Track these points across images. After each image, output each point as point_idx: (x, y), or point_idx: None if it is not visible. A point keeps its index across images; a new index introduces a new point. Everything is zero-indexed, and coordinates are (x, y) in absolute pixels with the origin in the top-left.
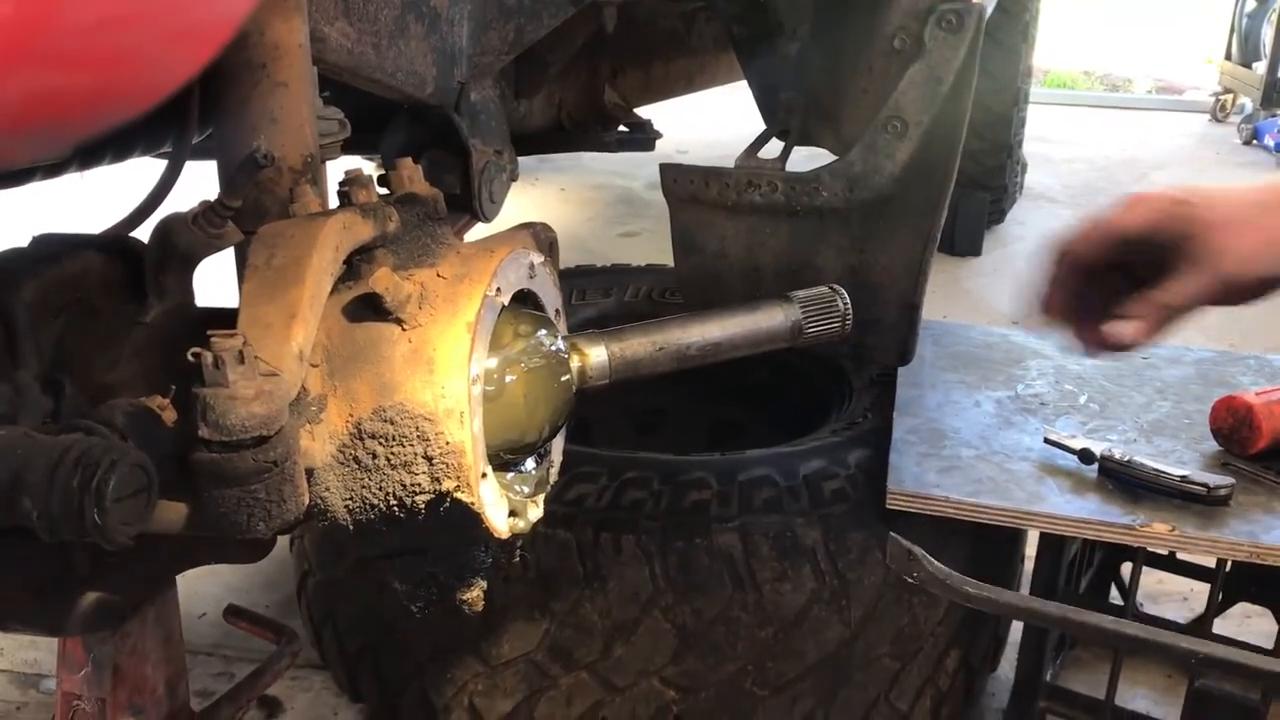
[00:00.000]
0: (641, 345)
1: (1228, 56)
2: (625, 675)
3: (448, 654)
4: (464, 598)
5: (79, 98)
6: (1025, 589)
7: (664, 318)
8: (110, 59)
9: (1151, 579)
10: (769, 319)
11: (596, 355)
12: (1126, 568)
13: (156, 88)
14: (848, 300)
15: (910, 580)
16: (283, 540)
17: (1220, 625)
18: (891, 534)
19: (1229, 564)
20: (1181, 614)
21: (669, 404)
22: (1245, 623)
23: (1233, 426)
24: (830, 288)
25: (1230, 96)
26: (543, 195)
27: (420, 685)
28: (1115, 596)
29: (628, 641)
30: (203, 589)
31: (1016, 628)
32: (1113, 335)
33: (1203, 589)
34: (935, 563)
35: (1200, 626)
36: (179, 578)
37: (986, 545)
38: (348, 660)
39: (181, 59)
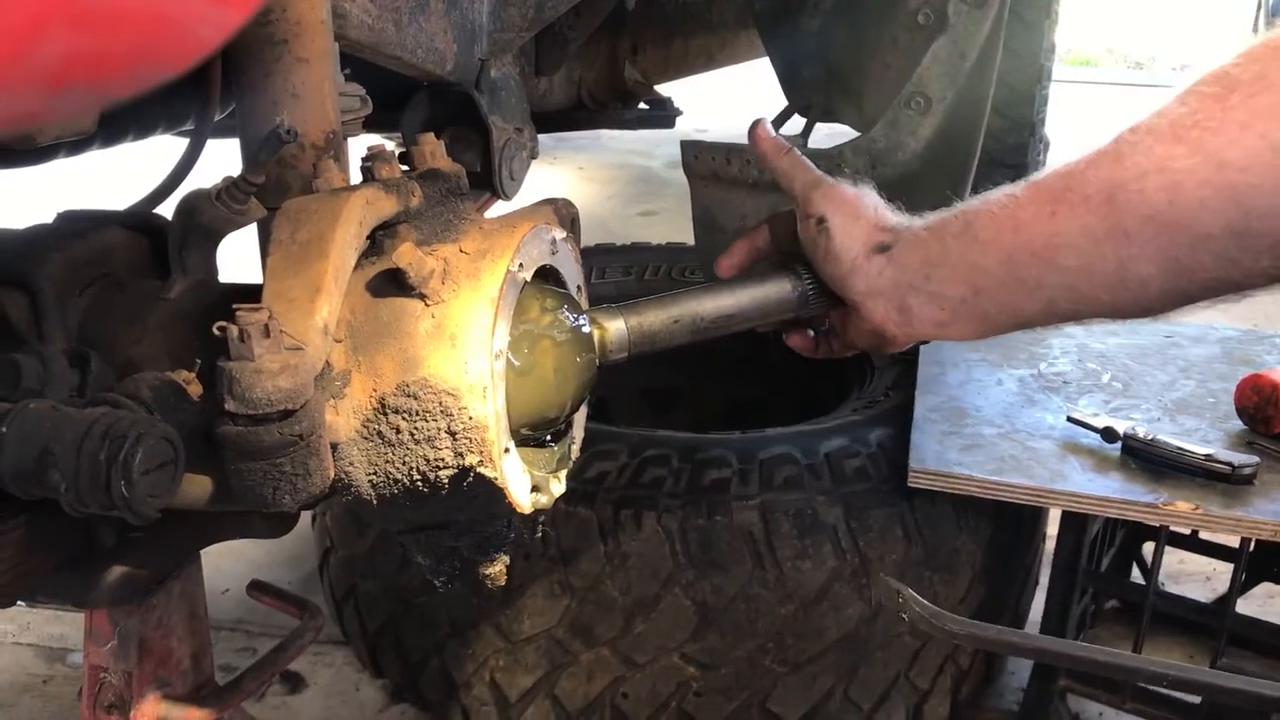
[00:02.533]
0: (657, 318)
1: (1255, 32)
2: (646, 652)
3: (469, 630)
4: (486, 572)
5: (115, 58)
6: (1046, 568)
7: (677, 291)
8: (147, 19)
9: (1173, 559)
10: (777, 289)
11: (615, 329)
12: (1149, 547)
13: (192, 49)
14: None
15: (901, 616)
16: (304, 517)
17: (1243, 605)
18: (881, 574)
19: (1252, 543)
20: (1204, 594)
21: (687, 383)
22: (1268, 603)
23: (1257, 405)
24: None
25: None
26: (561, 174)
27: (441, 661)
28: (1137, 576)
29: (648, 618)
30: (226, 565)
31: (1037, 609)
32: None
33: (1225, 569)
34: (921, 600)
35: (1222, 606)
36: (203, 554)
37: (1008, 524)
38: (369, 636)
39: (217, 20)
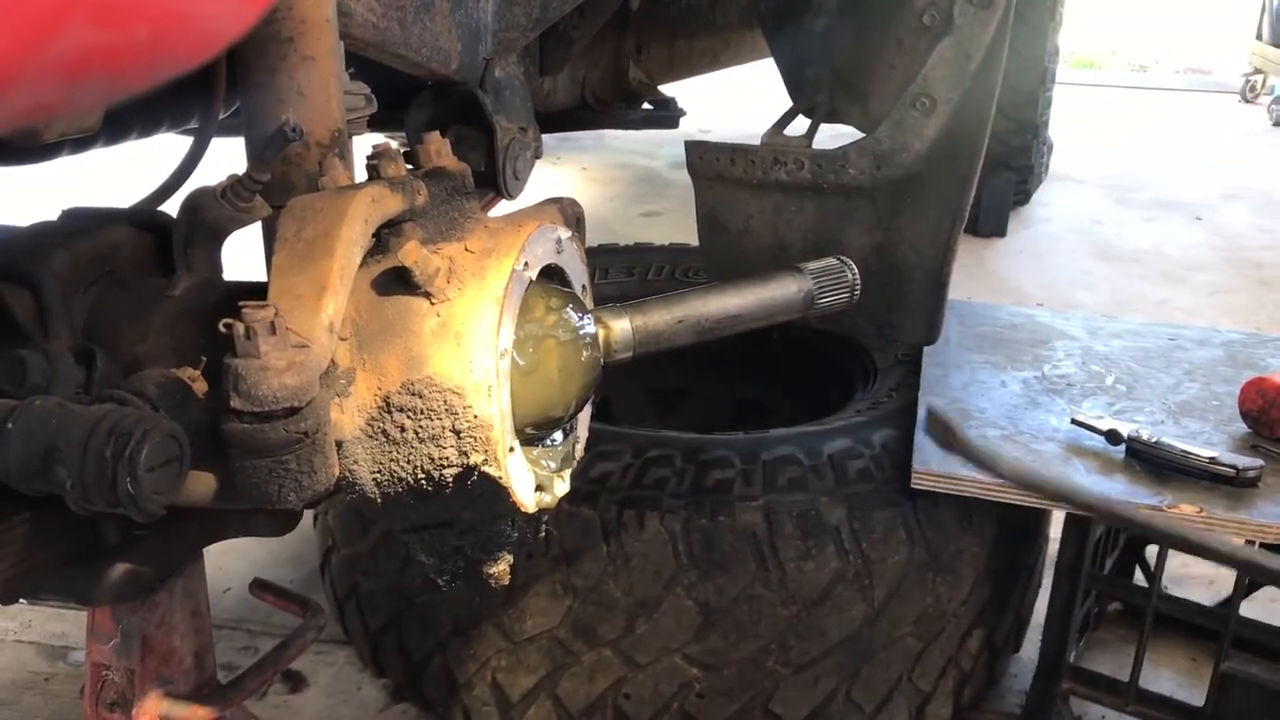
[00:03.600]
0: (662, 317)
1: (1258, 37)
2: (648, 652)
3: (471, 630)
4: (490, 572)
5: (131, 51)
6: (1049, 570)
7: (682, 290)
8: (163, 13)
9: (1176, 562)
10: (782, 290)
11: (620, 328)
12: (1152, 550)
13: (207, 44)
14: (856, 271)
15: (949, 451)
16: (307, 516)
17: (1247, 608)
18: (930, 406)
19: (1256, 546)
20: (1207, 597)
21: (692, 384)
22: (1271, 606)
23: (1262, 408)
24: (839, 259)
25: (1260, 78)
26: (565, 174)
27: (443, 660)
28: (1140, 579)
29: (651, 619)
30: (228, 565)
31: (1040, 609)
32: None
33: (1229, 572)
34: (972, 437)
35: (1226, 609)
36: (205, 553)
37: (1011, 525)
38: (371, 635)
39: (232, 16)
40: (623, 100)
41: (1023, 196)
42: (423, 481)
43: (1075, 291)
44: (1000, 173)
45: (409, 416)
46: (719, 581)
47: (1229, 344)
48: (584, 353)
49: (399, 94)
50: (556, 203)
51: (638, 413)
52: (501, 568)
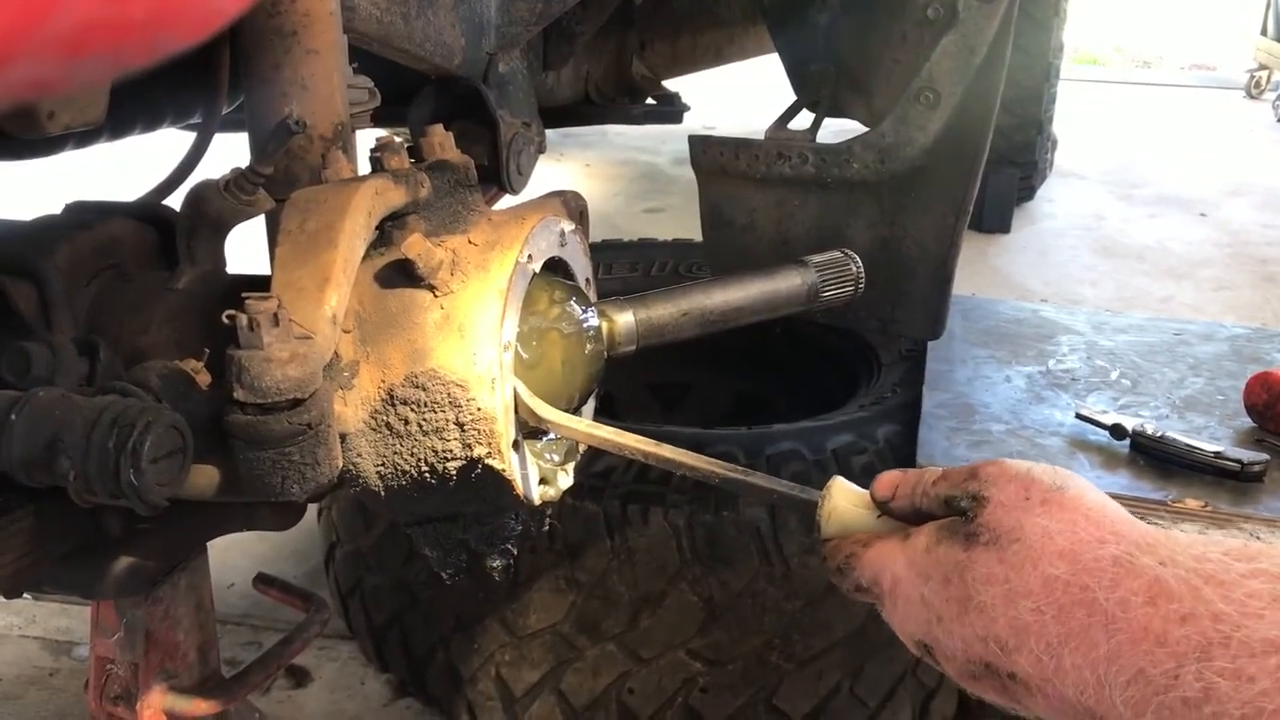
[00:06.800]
0: (666, 310)
1: (1264, 32)
2: (652, 647)
3: (474, 625)
4: (493, 565)
5: (133, 25)
6: None
7: (686, 284)
8: None
9: None
10: (786, 283)
11: (623, 321)
12: None
13: (209, 19)
14: (860, 264)
15: None
16: (310, 512)
17: None
18: None
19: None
20: None
21: (694, 378)
22: None
23: (1267, 403)
24: (843, 252)
25: (1265, 74)
26: (568, 170)
27: (447, 655)
28: None
29: (654, 614)
30: (232, 560)
31: None
32: None
33: None
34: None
35: None
36: (208, 549)
37: None
38: (375, 630)
39: None
40: (626, 95)
41: (1027, 192)
42: (426, 474)
43: (1079, 287)
44: (1004, 168)
45: (412, 409)
46: (723, 576)
47: (1234, 339)
48: (587, 345)
49: (402, 89)
50: (560, 196)
51: (641, 407)
52: (505, 562)
